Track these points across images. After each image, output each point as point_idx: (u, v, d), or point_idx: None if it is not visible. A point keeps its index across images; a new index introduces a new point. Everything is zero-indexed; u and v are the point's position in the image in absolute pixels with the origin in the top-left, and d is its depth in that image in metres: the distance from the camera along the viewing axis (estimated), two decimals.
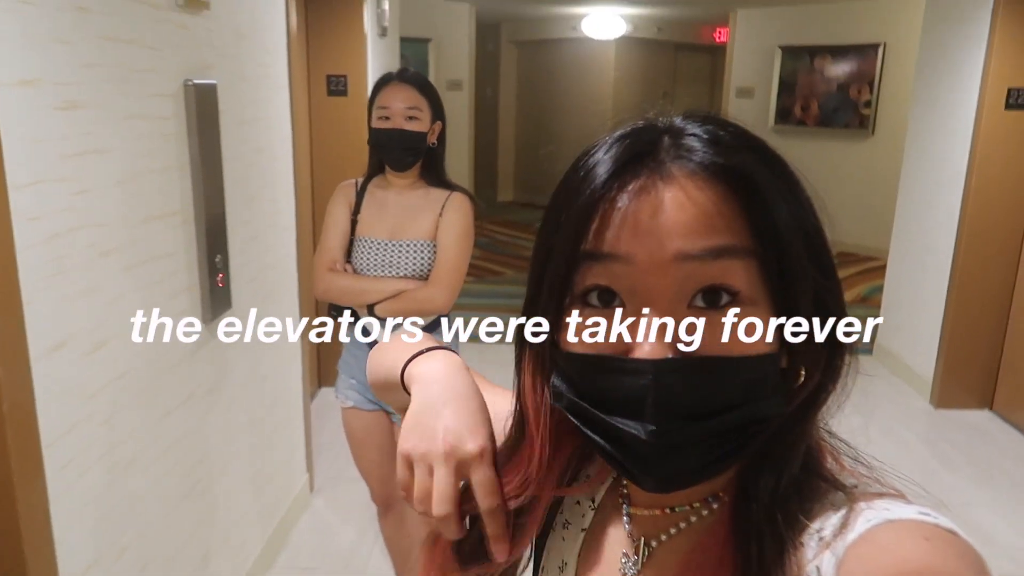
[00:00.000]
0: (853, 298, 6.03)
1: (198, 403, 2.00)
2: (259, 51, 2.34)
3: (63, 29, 1.39)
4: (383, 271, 2.03)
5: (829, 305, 0.53)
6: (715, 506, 0.57)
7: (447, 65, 7.86)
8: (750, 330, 0.49)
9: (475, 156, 8.58)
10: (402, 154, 2.02)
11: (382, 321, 2.07)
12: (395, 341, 0.77)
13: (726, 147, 0.51)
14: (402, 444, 0.61)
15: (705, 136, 0.51)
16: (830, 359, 0.53)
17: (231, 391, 2.21)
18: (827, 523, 0.48)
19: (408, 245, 2.02)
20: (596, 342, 0.52)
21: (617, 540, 0.62)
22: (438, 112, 2.07)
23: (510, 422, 0.64)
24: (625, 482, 0.63)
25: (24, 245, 1.30)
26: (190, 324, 1.92)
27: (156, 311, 1.75)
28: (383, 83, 2.06)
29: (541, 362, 0.58)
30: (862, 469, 0.54)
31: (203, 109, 1.89)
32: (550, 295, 0.54)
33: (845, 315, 0.54)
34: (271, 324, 2.50)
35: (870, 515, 0.46)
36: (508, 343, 5.18)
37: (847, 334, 0.53)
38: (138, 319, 1.68)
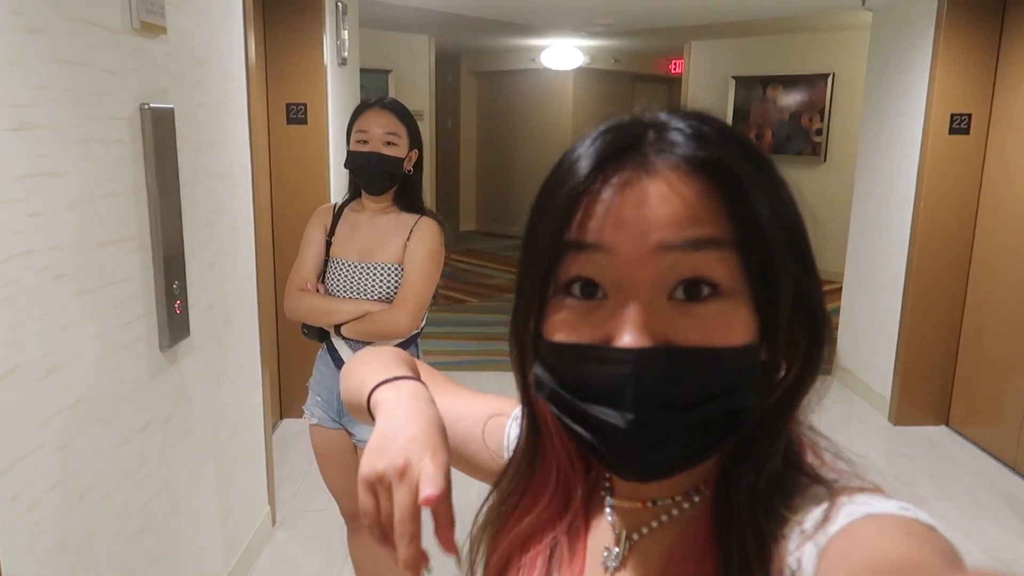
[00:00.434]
0: None
1: (155, 432, 1.95)
2: (217, 77, 2.34)
3: (13, 50, 1.37)
4: (352, 293, 2.06)
5: (809, 299, 0.53)
6: (696, 499, 0.57)
7: (407, 96, 7.89)
8: (730, 322, 0.50)
9: (437, 186, 8.60)
10: (379, 177, 2.06)
11: (349, 342, 2.09)
12: (367, 360, 0.77)
13: (709, 141, 0.51)
14: (362, 469, 0.60)
15: (688, 130, 0.52)
16: (809, 353, 0.54)
17: (190, 420, 2.17)
18: (808, 516, 0.49)
19: (376, 268, 2.05)
20: (578, 332, 0.52)
21: (599, 533, 0.62)
22: (415, 140, 2.11)
23: (511, 428, 0.65)
24: (608, 475, 0.63)
25: None
26: (147, 351, 1.89)
27: (112, 337, 1.72)
28: (363, 108, 2.10)
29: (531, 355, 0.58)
30: (842, 465, 0.54)
31: (160, 133, 1.88)
32: (534, 286, 0.54)
33: (825, 310, 0.55)
34: (231, 352, 2.47)
35: (851, 509, 0.47)
36: (477, 369, 5.16)
37: (827, 328, 0.54)
38: (93, 345, 1.64)
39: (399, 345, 2.09)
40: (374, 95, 2.16)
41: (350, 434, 2.16)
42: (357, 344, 2.09)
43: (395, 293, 2.04)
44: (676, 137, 0.52)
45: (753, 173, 0.52)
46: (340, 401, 2.13)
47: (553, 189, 0.54)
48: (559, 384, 0.53)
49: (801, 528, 0.48)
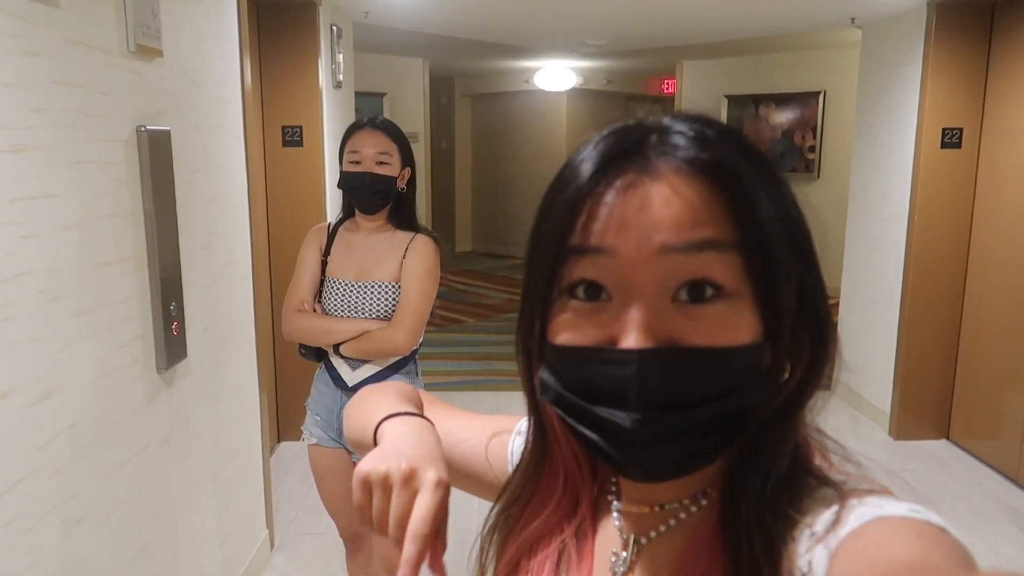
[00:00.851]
0: None
1: (152, 456, 1.93)
2: (213, 100, 2.34)
3: (11, 72, 1.37)
4: (350, 312, 2.06)
5: (813, 301, 0.53)
6: (704, 503, 0.57)
7: (402, 119, 7.92)
8: (734, 322, 0.50)
9: (433, 208, 8.62)
10: (372, 197, 2.06)
11: (348, 361, 2.09)
12: (372, 396, 0.77)
13: (711, 143, 0.51)
14: (361, 466, 0.60)
15: (691, 133, 0.52)
16: (814, 355, 0.54)
17: (187, 443, 2.14)
18: (818, 519, 0.48)
19: (373, 287, 2.05)
20: (583, 334, 0.52)
21: (606, 538, 0.62)
22: (407, 159, 2.11)
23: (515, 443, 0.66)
24: (615, 479, 0.63)
25: None
26: (144, 373, 1.87)
27: (108, 359, 1.70)
28: (355, 129, 2.11)
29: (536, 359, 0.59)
30: (851, 467, 0.54)
31: (156, 155, 1.88)
32: (538, 289, 0.55)
33: (828, 310, 0.54)
34: (228, 374, 2.45)
35: (862, 511, 0.47)
36: (475, 389, 5.14)
37: (831, 329, 0.54)
38: (89, 367, 1.63)
39: (398, 362, 2.09)
40: (366, 116, 2.17)
41: (350, 453, 2.14)
42: (356, 363, 2.09)
43: (393, 311, 2.05)
44: (678, 140, 0.52)
45: (755, 175, 0.52)
46: (340, 419, 2.11)
47: (556, 192, 0.54)
48: (564, 387, 0.54)
49: (811, 530, 0.48)
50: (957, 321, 4.03)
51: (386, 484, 0.59)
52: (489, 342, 6.19)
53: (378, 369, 2.08)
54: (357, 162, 2.04)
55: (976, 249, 3.93)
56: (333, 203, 3.87)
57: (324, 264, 2.13)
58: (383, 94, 7.70)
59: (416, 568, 0.55)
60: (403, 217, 2.12)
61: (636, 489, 0.60)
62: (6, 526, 1.37)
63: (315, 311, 2.10)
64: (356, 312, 2.05)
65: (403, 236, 2.09)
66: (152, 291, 1.90)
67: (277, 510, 3.21)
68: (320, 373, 2.17)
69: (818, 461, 0.54)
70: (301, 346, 2.15)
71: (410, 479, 0.58)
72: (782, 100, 7.63)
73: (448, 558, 0.58)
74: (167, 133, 1.94)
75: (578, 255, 0.52)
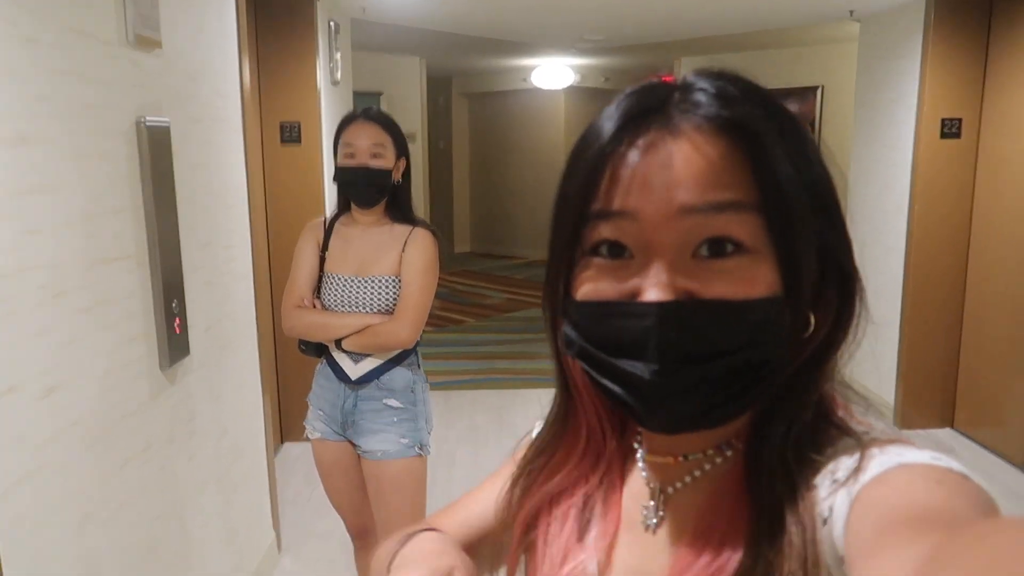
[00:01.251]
0: None
1: (156, 454, 1.90)
2: (212, 94, 2.31)
3: (11, 61, 1.34)
4: (350, 307, 2.04)
5: (839, 257, 0.54)
6: (729, 453, 0.57)
7: (399, 118, 7.82)
8: (753, 275, 0.50)
9: (431, 208, 8.60)
10: (367, 190, 2.04)
11: (351, 355, 2.07)
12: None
13: (734, 101, 0.52)
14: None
15: (713, 90, 0.52)
16: (840, 310, 0.54)
17: (192, 442, 2.12)
18: (840, 465, 0.49)
19: (373, 281, 2.03)
20: (605, 290, 0.53)
21: (633, 488, 0.62)
22: (402, 149, 2.09)
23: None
24: (639, 431, 0.64)
25: None
26: (147, 370, 1.84)
27: (112, 356, 1.67)
28: (348, 121, 2.08)
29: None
30: (873, 420, 0.55)
31: (156, 149, 1.85)
32: (562, 249, 0.56)
33: (854, 265, 0.55)
34: (230, 373, 2.42)
35: (883, 459, 0.47)
36: (476, 388, 5.13)
37: (857, 283, 0.54)
38: (93, 364, 1.60)
39: (399, 355, 2.07)
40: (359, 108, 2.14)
41: (354, 446, 2.12)
42: (359, 356, 2.07)
43: (394, 305, 2.03)
44: (700, 97, 0.52)
45: (776, 132, 0.52)
46: (343, 413, 2.10)
47: (579, 153, 0.55)
48: (587, 341, 0.54)
49: (833, 476, 0.49)
50: (960, 309, 4.02)
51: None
52: (489, 342, 6.17)
53: (380, 362, 2.06)
54: (351, 155, 2.02)
55: (977, 238, 3.92)
56: (332, 200, 3.84)
57: (322, 260, 2.11)
58: (380, 94, 7.68)
59: None
60: (400, 209, 2.10)
61: (660, 440, 0.60)
62: (13, 523, 1.34)
63: (314, 307, 2.08)
64: (356, 307, 2.03)
65: (401, 229, 2.07)
66: (154, 288, 1.87)
67: (283, 511, 3.18)
68: (321, 368, 2.15)
69: (841, 413, 0.55)
70: (301, 342, 2.13)
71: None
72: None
73: None
74: (167, 127, 1.91)
75: (600, 218, 0.53)
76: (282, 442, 4.02)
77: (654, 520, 0.59)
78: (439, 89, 10.18)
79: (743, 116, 0.51)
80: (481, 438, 4.19)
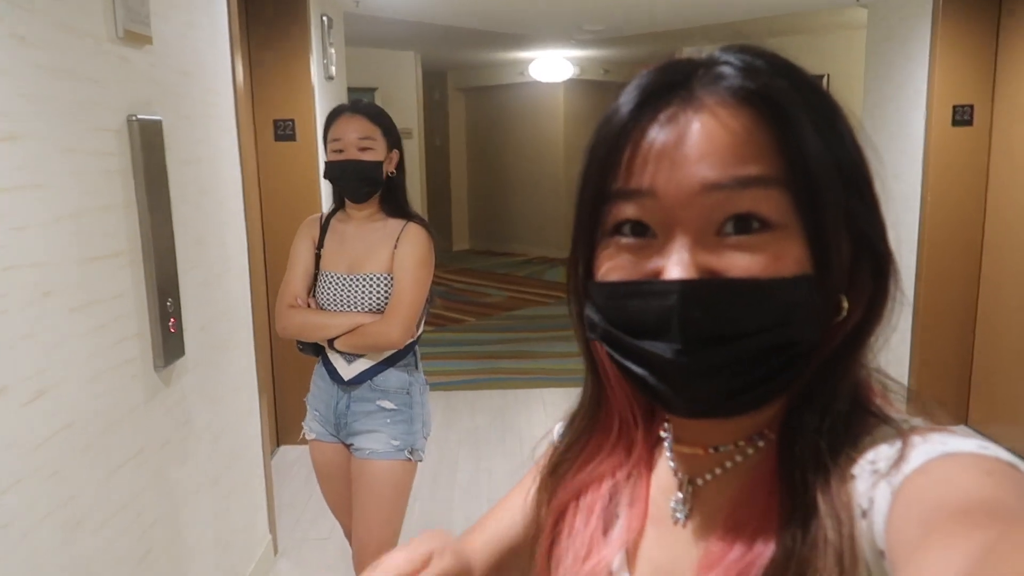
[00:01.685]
0: None
1: (151, 458, 1.91)
2: (204, 90, 2.32)
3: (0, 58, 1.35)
4: (343, 306, 2.04)
5: (871, 237, 0.52)
6: (761, 444, 0.56)
7: (395, 114, 7.84)
8: (780, 253, 0.49)
9: (428, 206, 8.61)
10: (358, 185, 2.03)
11: (344, 355, 2.07)
12: None
13: (758, 73, 0.51)
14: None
15: (738, 63, 0.51)
16: (874, 293, 0.53)
17: (187, 445, 2.13)
18: (880, 455, 0.48)
19: (366, 279, 2.02)
20: (627, 270, 0.53)
21: (660, 480, 0.62)
22: (394, 141, 2.08)
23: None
24: (668, 419, 0.63)
25: None
26: (141, 371, 1.85)
27: (104, 357, 1.68)
28: (335, 115, 2.07)
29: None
30: (911, 408, 0.54)
31: (148, 146, 1.86)
32: (583, 230, 0.55)
33: (888, 247, 0.53)
34: (226, 374, 2.43)
35: (927, 448, 0.46)
36: (477, 388, 5.13)
37: (891, 263, 0.53)
38: (84, 365, 1.61)
39: (394, 356, 2.07)
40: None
41: (348, 447, 2.12)
42: (352, 356, 2.07)
43: (385, 303, 2.02)
44: (725, 70, 0.51)
45: (803, 104, 0.51)
46: (337, 415, 2.10)
47: (600, 131, 0.54)
48: (609, 323, 0.54)
49: (873, 467, 0.47)
50: (974, 303, 4.02)
51: None
52: (491, 341, 6.18)
53: (373, 362, 2.06)
54: (340, 150, 2.01)
55: (991, 229, 3.92)
56: (328, 197, 3.85)
57: (319, 257, 2.11)
58: (374, 89, 7.69)
59: None
60: (395, 203, 2.08)
61: (689, 431, 0.59)
62: (3, 528, 1.35)
63: (309, 306, 2.08)
64: (349, 306, 2.03)
65: (395, 225, 2.06)
66: (148, 286, 1.88)
67: (279, 515, 3.19)
68: (318, 367, 2.16)
69: (878, 402, 0.53)
70: (299, 341, 2.13)
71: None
72: None
73: None
74: (159, 123, 1.92)
75: (621, 197, 0.52)
76: (278, 445, 4.03)
77: (682, 514, 0.58)
78: (435, 84, 10.19)
79: (768, 87, 0.50)
80: (483, 440, 4.19)
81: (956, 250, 3.97)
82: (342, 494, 2.18)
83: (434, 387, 4.78)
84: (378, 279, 2.02)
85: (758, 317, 0.49)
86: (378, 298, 2.02)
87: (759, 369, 0.50)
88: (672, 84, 0.51)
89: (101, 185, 1.68)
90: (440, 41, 7.05)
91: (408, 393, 2.08)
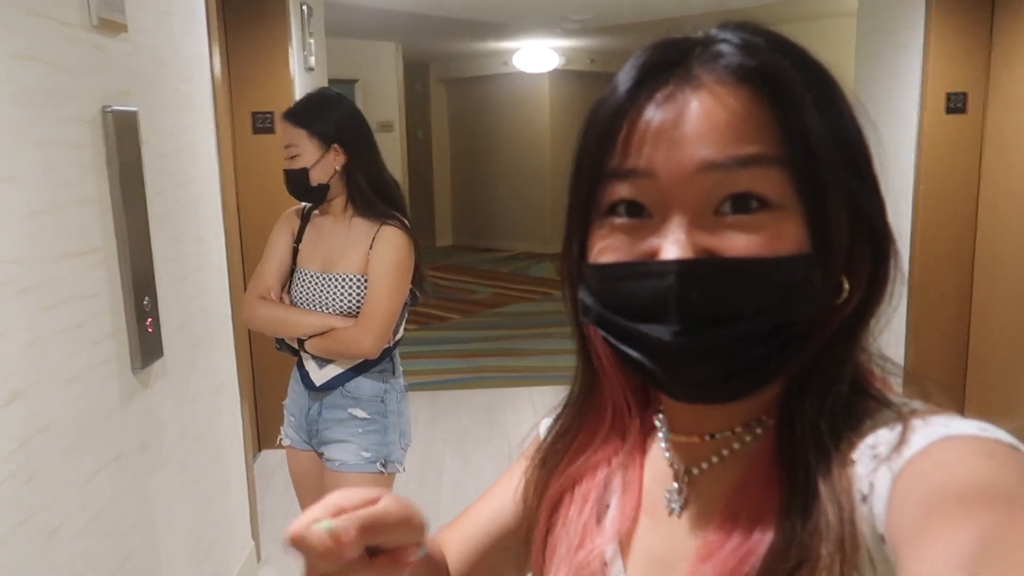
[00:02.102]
0: None
1: (130, 462, 1.89)
2: (181, 81, 2.30)
3: None
4: (316, 306, 2.00)
5: (871, 217, 0.53)
6: (758, 431, 0.56)
7: (375, 106, 7.89)
8: (779, 232, 0.50)
9: (410, 201, 8.59)
10: (300, 194, 2.00)
11: (317, 359, 2.02)
12: None
13: (757, 50, 0.51)
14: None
15: (737, 40, 0.52)
16: (873, 273, 0.53)
17: (166, 449, 2.10)
18: (881, 439, 0.48)
19: (339, 279, 1.97)
20: (622, 251, 0.52)
21: (655, 469, 0.62)
22: (329, 137, 1.96)
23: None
24: (662, 408, 0.63)
25: None
26: (118, 373, 1.83)
27: (80, 358, 1.66)
28: None
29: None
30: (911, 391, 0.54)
31: (123, 138, 1.83)
32: (577, 211, 0.55)
33: (888, 226, 0.54)
34: (206, 375, 2.41)
35: (928, 431, 0.46)
36: (464, 388, 5.13)
37: (891, 244, 0.54)
38: (60, 366, 1.59)
39: (368, 360, 2.01)
40: None
41: (320, 455, 2.08)
42: (324, 361, 2.02)
43: (358, 306, 1.96)
44: (723, 48, 0.51)
45: (804, 83, 0.51)
46: (309, 421, 2.06)
47: (595, 111, 0.54)
48: (604, 306, 0.54)
49: (873, 451, 0.47)
50: (968, 295, 4.06)
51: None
52: (477, 339, 6.17)
53: (345, 368, 2.01)
54: (285, 158, 2.00)
55: (985, 218, 3.95)
56: None
57: (297, 252, 2.07)
58: (354, 81, 7.66)
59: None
60: (364, 202, 1.98)
61: (685, 418, 0.59)
62: None
63: (283, 301, 2.04)
64: (322, 306, 1.98)
65: (371, 224, 1.98)
66: (124, 284, 1.86)
67: (262, 521, 3.17)
68: (294, 370, 2.12)
69: (878, 385, 0.54)
70: (277, 339, 2.10)
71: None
72: None
73: None
74: (134, 114, 1.90)
75: (617, 177, 0.52)
76: (260, 449, 4.00)
77: (677, 504, 0.58)
78: (416, 75, 10.16)
79: (767, 65, 0.50)
80: (470, 440, 4.19)
81: (949, 239, 4.01)
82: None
83: (419, 387, 4.79)
84: (351, 280, 1.96)
85: (757, 297, 0.50)
86: (350, 300, 1.96)
87: (758, 350, 0.51)
88: (670, 62, 0.52)
89: (74, 179, 1.66)
90: (422, 31, 7.03)
91: (382, 401, 2.02)
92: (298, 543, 0.48)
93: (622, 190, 0.52)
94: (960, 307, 4.07)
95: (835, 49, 7.12)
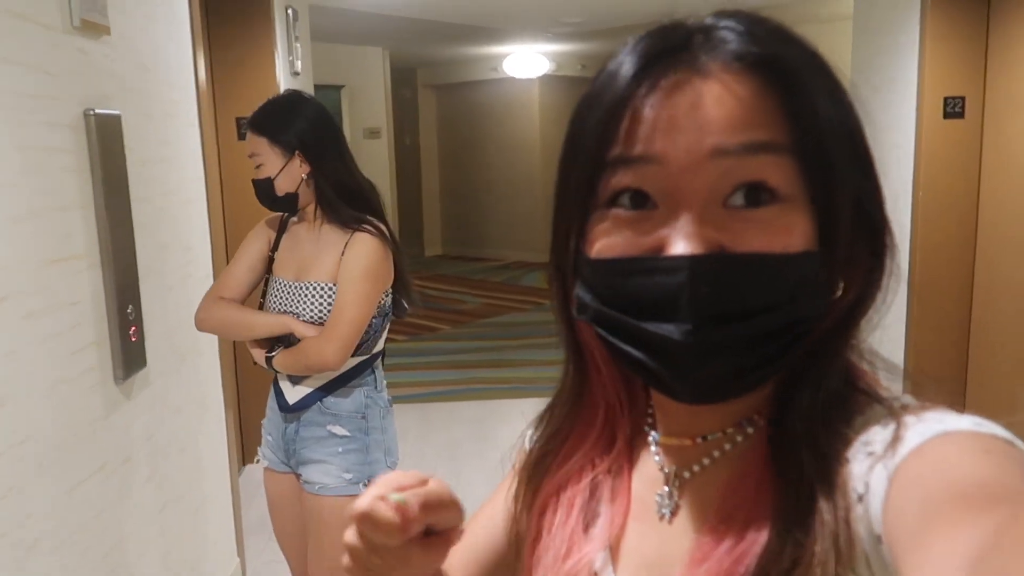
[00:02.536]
0: None
1: (112, 475, 1.88)
2: (165, 86, 2.30)
3: None
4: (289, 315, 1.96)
5: (870, 209, 0.53)
6: (750, 431, 0.56)
7: (362, 113, 7.91)
8: (789, 227, 0.50)
9: (398, 210, 8.59)
10: (267, 203, 2.00)
11: (291, 376, 1.98)
12: None
13: (763, 38, 0.51)
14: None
15: (740, 28, 0.52)
16: (871, 267, 0.54)
17: (150, 463, 2.10)
18: (875, 437, 0.48)
19: (310, 287, 1.93)
20: (625, 245, 0.52)
21: (644, 473, 0.61)
22: (291, 144, 1.92)
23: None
24: (651, 411, 0.62)
25: None
26: (101, 383, 1.82)
27: (62, 367, 1.66)
28: None
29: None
30: (900, 387, 0.54)
31: (106, 143, 1.84)
32: (575, 202, 0.54)
33: (887, 220, 0.54)
34: (190, 387, 2.40)
35: (921, 428, 0.46)
36: (455, 400, 5.11)
37: (889, 237, 0.54)
38: (41, 376, 1.58)
39: (347, 374, 1.95)
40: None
41: (298, 477, 2.02)
42: (296, 379, 1.96)
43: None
44: (727, 35, 0.51)
45: (811, 73, 0.52)
46: (287, 441, 2.02)
47: (592, 99, 0.53)
48: (605, 303, 0.53)
49: (868, 449, 0.47)
50: (968, 300, 4.09)
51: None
52: (468, 349, 6.17)
53: (320, 383, 1.94)
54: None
55: (984, 222, 3.99)
56: None
57: (273, 260, 2.05)
58: (341, 87, 7.67)
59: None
60: (333, 210, 1.93)
61: (676, 420, 0.59)
62: None
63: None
64: (294, 316, 1.93)
65: (344, 231, 1.93)
66: (107, 292, 1.85)
67: (247, 537, 3.15)
68: (271, 389, 2.07)
69: (867, 381, 0.54)
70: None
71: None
72: None
73: None
74: (118, 118, 1.90)
75: (621, 165, 0.51)
76: (245, 463, 3.99)
77: (668, 508, 0.58)
78: (404, 81, 10.19)
79: (775, 52, 0.51)
80: (461, 453, 4.18)
81: (949, 244, 4.03)
82: (291, 532, 2.08)
83: (409, 399, 4.78)
84: (322, 288, 1.91)
85: (769, 294, 0.49)
86: (322, 309, 1.91)
87: (766, 349, 0.50)
88: (672, 49, 0.51)
89: (57, 184, 1.66)
90: (409, 36, 7.05)
91: (363, 417, 1.96)
92: (364, 520, 0.47)
93: (626, 178, 0.51)
94: (960, 312, 4.09)
95: (830, 53, 7.18)
